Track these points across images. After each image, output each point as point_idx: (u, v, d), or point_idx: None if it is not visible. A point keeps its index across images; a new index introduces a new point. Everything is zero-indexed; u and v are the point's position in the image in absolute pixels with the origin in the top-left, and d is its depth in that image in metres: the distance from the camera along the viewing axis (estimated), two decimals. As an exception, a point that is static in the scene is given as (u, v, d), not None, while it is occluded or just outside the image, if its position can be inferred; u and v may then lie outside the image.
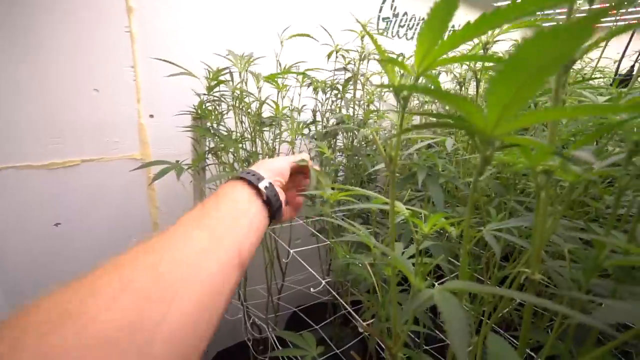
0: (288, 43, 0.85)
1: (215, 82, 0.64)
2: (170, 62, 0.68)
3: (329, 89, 0.89)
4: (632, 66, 0.98)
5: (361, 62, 0.84)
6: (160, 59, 0.69)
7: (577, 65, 0.87)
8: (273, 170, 0.44)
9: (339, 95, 0.92)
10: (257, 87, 0.73)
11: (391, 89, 0.18)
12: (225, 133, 0.76)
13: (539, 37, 0.11)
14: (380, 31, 1.33)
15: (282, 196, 0.42)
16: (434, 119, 0.20)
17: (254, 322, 0.87)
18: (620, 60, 1.02)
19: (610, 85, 0.91)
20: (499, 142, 0.15)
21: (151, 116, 0.96)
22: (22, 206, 0.86)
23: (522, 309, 0.58)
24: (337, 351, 0.68)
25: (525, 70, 0.12)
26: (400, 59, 1.47)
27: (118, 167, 0.95)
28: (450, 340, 0.13)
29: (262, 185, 0.39)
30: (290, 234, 0.92)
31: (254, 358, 0.99)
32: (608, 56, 0.91)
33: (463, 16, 1.71)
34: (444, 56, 0.17)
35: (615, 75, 1.00)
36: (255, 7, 1.03)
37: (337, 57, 0.89)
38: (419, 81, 0.19)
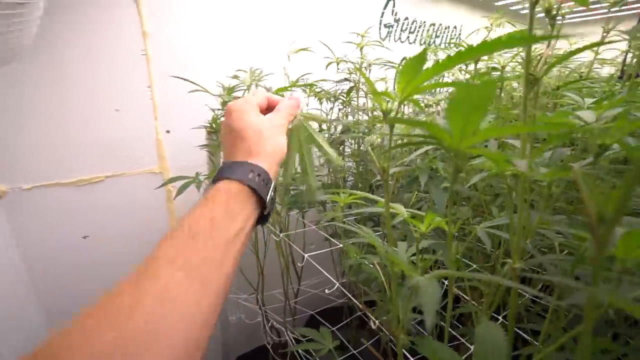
0: (294, 57, 0.89)
1: (229, 98, 0.68)
2: (186, 80, 0.72)
3: (332, 98, 0.93)
4: (623, 66, 0.98)
5: (363, 71, 0.87)
6: (177, 77, 0.74)
7: (584, 60, 0.87)
8: (276, 154, 0.37)
9: (344, 104, 0.95)
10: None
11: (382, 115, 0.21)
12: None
13: (463, 89, 0.15)
14: (377, 42, 1.36)
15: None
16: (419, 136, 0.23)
17: (272, 326, 0.90)
18: (626, 53, 1.02)
19: (620, 78, 0.91)
20: (469, 153, 0.18)
21: (168, 132, 1.01)
22: (53, 221, 0.92)
23: (535, 306, 0.59)
24: (354, 351, 0.70)
25: (463, 107, 0.15)
26: (404, 62, 1.49)
27: (139, 181, 1.00)
28: (423, 307, 0.16)
29: (269, 197, 0.35)
30: (304, 239, 0.95)
31: (273, 361, 1.02)
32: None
33: (465, 17, 1.73)
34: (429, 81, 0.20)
35: (622, 70, 0.99)
36: (262, 24, 1.08)
37: (338, 68, 0.93)
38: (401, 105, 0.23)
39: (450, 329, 0.47)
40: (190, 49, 0.99)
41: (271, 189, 0.36)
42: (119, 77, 0.91)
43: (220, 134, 0.41)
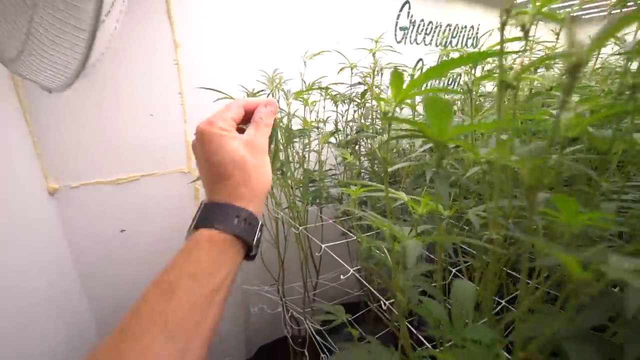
0: (311, 61, 0.94)
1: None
2: (212, 89, 0.79)
3: (347, 100, 0.97)
4: None
5: (376, 75, 0.91)
6: (203, 87, 0.81)
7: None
8: (263, 189, 0.35)
9: (359, 106, 1.00)
10: (287, 104, 0.83)
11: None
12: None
13: (429, 99, 0.20)
14: (389, 47, 1.40)
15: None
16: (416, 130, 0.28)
17: (292, 315, 0.96)
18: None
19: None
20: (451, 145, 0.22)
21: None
22: (95, 216, 1.02)
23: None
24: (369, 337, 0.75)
25: (434, 112, 0.20)
26: (419, 64, 1.51)
27: (170, 179, 1.09)
28: (407, 258, 0.21)
29: (255, 239, 0.33)
30: (322, 234, 1.00)
31: (293, 351, 1.08)
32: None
33: (481, 16, 1.72)
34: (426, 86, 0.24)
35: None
36: (280, 31, 1.14)
37: (352, 72, 0.97)
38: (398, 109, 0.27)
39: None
40: (216, 57, 1.07)
41: (258, 229, 0.34)
42: (154, 84, 1.00)
43: (195, 158, 0.37)
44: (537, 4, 0.25)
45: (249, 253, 0.34)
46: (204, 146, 0.34)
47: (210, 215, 0.32)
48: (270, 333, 1.30)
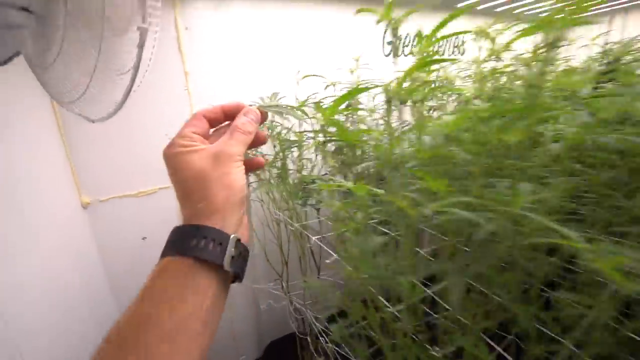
0: (304, 80, 1.07)
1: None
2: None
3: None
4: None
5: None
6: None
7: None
8: (230, 198, 0.31)
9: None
10: (282, 118, 0.95)
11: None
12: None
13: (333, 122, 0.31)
14: (367, 65, 1.52)
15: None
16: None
17: (296, 308, 1.06)
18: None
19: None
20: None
21: (205, 149, 1.23)
22: (120, 225, 1.16)
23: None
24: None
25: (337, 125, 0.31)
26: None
27: (184, 191, 1.23)
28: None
29: (226, 257, 0.30)
30: (320, 231, 1.11)
31: (300, 344, 1.18)
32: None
33: (466, 25, 1.83)
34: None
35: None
36: (276, 54, 1.28)
37: (334, 89, 1.09)
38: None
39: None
40: (220, 83, 1.21)
41: (229, 244, 0.30)
42: (168, 107, 1.15)
43: None
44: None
45: (234, 273, 0.31)
46: (168, 169, 0.33)
47: (171, 243, 0.31)
48: (280, 328, 1.40)
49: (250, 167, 0.40)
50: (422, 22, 1.64)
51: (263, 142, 0.39)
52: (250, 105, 0.37)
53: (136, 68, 0.42)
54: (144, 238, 1.20)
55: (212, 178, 0.31)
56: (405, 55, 1.63)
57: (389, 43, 1.56)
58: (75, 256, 1.00)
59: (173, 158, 0.32)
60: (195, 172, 0.31)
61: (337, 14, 1.41)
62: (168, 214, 1.23)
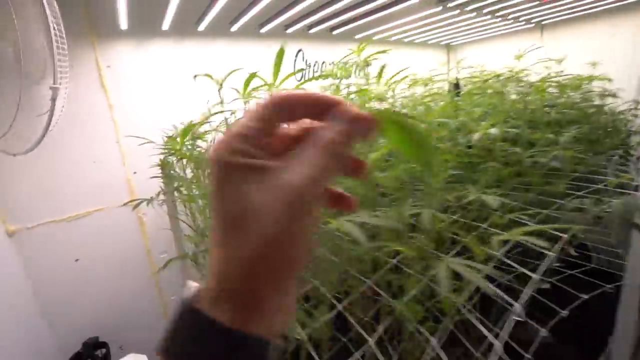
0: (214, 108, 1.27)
1: (167, 147, 1.04)
2: (139, 137, 1.08)
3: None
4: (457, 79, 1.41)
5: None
6: (133, 136, 1.10)
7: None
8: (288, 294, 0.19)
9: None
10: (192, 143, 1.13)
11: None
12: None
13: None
14: (264, 88, 1.77)
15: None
16: None
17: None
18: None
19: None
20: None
21: (135, 173, 1.36)
22: (51, 249, 1.22)
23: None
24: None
25: None
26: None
27: (116, 212, 1.33)
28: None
29: None
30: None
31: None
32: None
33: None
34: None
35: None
36: (191, 83, 1.46)
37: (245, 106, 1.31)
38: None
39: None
40: (143, 113, 1.36)
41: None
42: (95, 137, 1.26)
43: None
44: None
45: None
46: (211, 180, 0.19)
47: (201, 348, 0.17)
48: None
49: (340, 205, 0.23)
50: (325, 52, 1.94)
51: (358, 174, 0.22)
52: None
53: (51, 113, 0.57)
54: (76, 260, 1.27)
55: (284, 240, 0.18)
56: (317, 80, 1.91)
57: (299, 70, 1.82)
58: (1, 284, 1.05)
59: (222, 178, 0.18)
60: (263, 224, 0.17)
61: (253, 47, 1.64)
62: (101, 234, 1.31)
